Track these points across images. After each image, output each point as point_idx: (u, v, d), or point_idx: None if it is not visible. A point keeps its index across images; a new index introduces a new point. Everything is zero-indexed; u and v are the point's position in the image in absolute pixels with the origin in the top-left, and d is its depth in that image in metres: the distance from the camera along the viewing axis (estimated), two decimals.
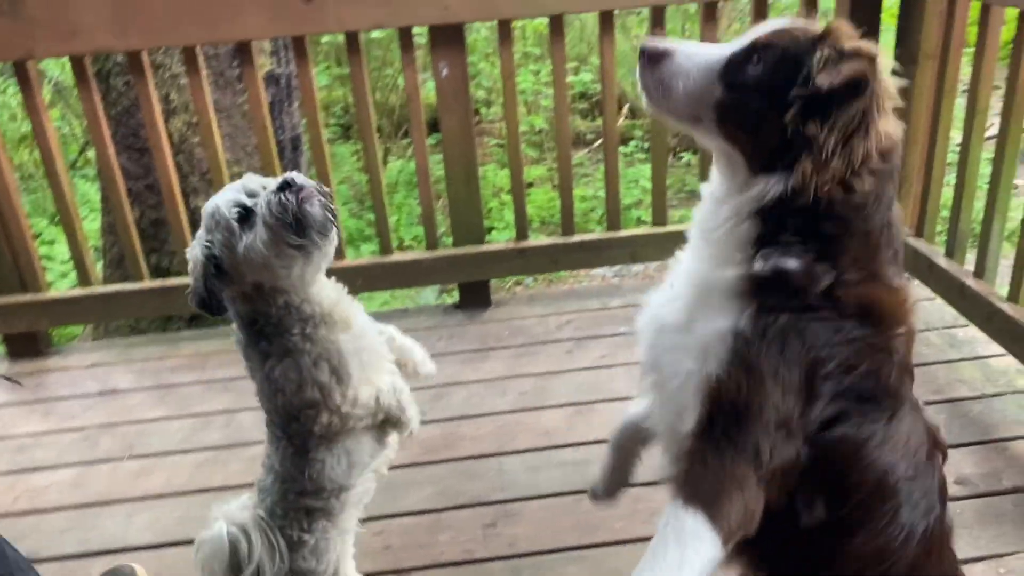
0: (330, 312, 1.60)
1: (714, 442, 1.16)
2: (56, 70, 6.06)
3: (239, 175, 3.67)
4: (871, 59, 1.11)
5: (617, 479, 1.72)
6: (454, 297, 3.52)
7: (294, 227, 1.45)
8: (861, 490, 1.25)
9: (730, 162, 1.22)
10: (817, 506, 1.24)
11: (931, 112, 2.92)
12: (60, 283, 4.74)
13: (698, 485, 1.15)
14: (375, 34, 6.03)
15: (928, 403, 2.60)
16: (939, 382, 2.68)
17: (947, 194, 2.99)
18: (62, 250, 4.82)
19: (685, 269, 1.32)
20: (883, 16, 3.13)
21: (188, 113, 3.53)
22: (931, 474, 1.33)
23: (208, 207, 1.52)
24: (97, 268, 3.65)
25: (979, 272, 2.76)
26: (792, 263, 1.15)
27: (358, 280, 3.21)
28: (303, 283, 1.56)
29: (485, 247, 3.25)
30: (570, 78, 6.70)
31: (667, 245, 3.40)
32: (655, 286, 1.43)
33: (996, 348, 2.72)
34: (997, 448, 2.38)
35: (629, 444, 1.67)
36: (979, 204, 2.91)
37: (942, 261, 2.90)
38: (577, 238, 3.30)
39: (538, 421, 2.67)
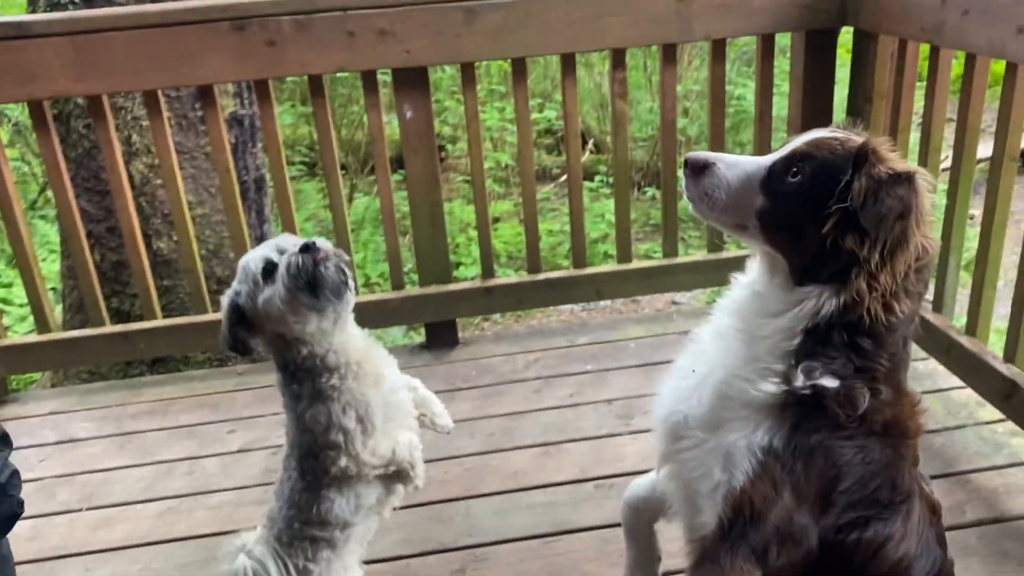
0: (359, 363, 1.70)
1: (729, 543, 1.21)
2: (16, 110, 6.00)
3: (202, 216, 3.70)
4: (911, 179, 1.15)
5: (647, 562, 1.71)
6: (422, 335, 3.51)
7: (309, 287, 1.57)
8: None
9: (773, 264, 1.27)
10: None
11: None
12: (18, 326, 4.65)
13: None
14: (341, 73, 6.05)
15: None
16: None
17: None
18: (20, 293, 4.73)
19: (711, 360, 1.33)
20: (840, 52, 3.21)
21: (150, 155, 3.51)
22: (932, 534, 1.39)
23: (243, 259, 1.66)
24: (57, 312, 3.58)
25: (937, 306, 2.81)
26: (832, 382, 1.19)
27: None
28: (322, 336, 1.65)
29: (451, 287, 3.25)
30: (535, 115, 6.77)
31: (631, 281, 3.47)
32: (667, 372, 1.44)
33: (956, 381, 2.76)
34: (960, 481, 2.41)
35: (643, 524, 1.68)
36: (936, 236, 2.96)
37: None
38: (543, 276, 3.31)
39: (506, 463, 2.65)
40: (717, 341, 1.33)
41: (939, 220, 2.81)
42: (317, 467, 1.70)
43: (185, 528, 2.45)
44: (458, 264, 5.40)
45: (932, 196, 1.19)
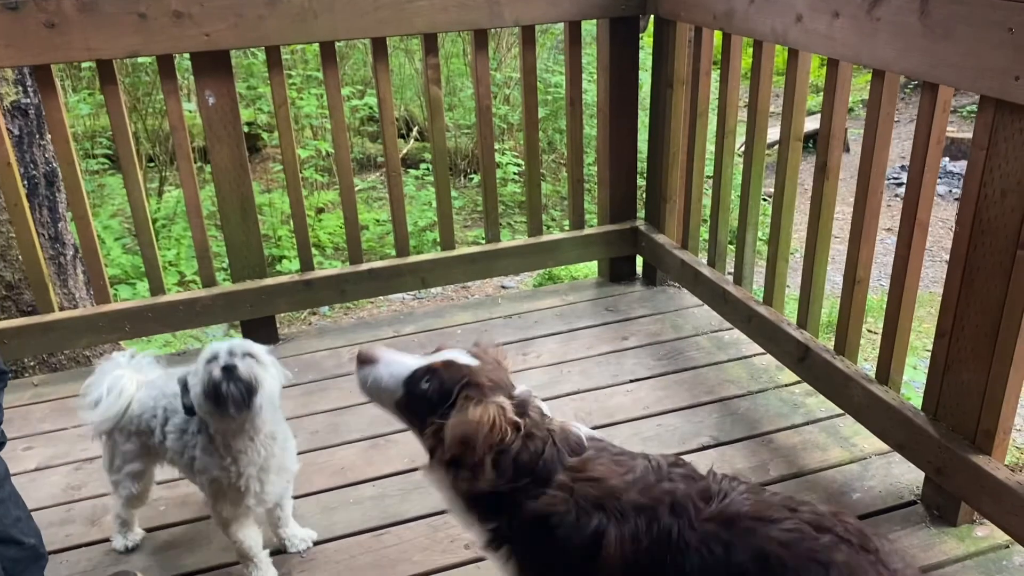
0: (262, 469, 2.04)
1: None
2: None
3: None
4: (480, 419, 1.47)
5: None
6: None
7: (215, 400, 1.86)
8: None
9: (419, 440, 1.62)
10: None
11: (688, 132, 3.14)
12: None
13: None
14: (142, 58, 5.67)
15: (702, 404, 2.79)
16: (710, 383, 2.88)
17: (708, 207, 3.22)
18: None
19: None
20: (644, 39, 3.35)
21: None
22: None
23: (207, 348, 1.91)
24: None
25: (737, 279, 3.00)
26: (490, 525, 1.57)
27: (125, 325, 3.00)
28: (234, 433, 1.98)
29: (267, 281, 3.13)
30: (356, 102, 6.64)
31: (456, 268, 3.48)
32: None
33: (757, 348, 2.96)
34: (763, 441, 2.59)
35: None
36: (735, 215, 3.15)
37: (706, 271, 3.13)
38: (365, 266, 3.26)
39: (332, 459, 2.59)
40: None
41: (736, 199, 2.99)
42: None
43: None
44: (281, 258, 5.22)
45: (508, 412, 1.52)
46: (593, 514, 1.47)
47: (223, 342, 1.92)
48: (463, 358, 1.59)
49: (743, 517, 1.38)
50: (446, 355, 1.61)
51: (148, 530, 2.32)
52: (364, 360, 1.62)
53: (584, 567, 1.48)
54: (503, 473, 1.52)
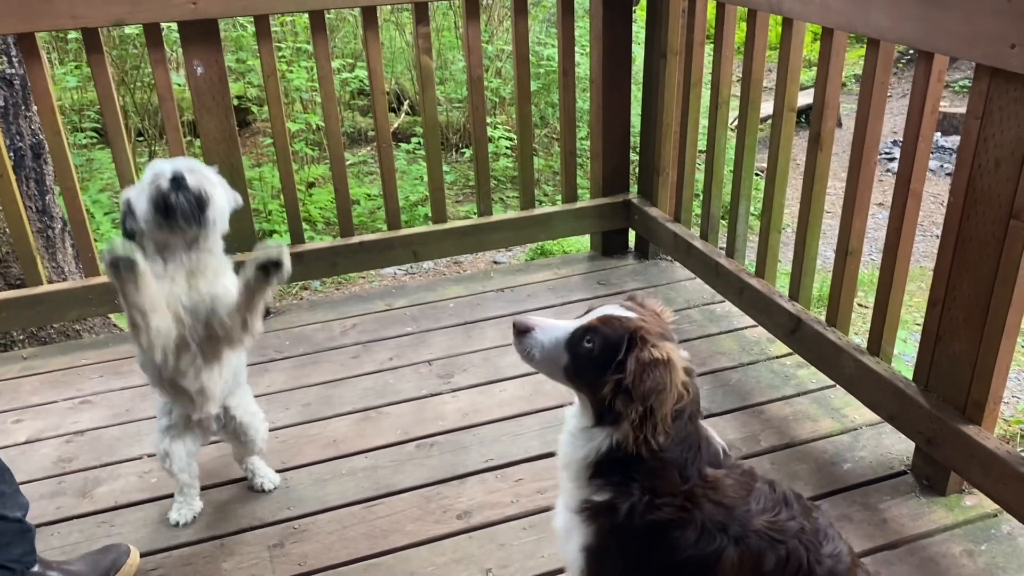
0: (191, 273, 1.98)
1: None
2: None
3: None
4: (668, 362, 1.43)
5: None
6: None
7: (164, 211, 1.82)
8: None
9: (584, 404, 1.58)
10: None
11: (681, 105, 3.12)
12: None
13: None
14: (129, 29, 5.60)
15: None
16: (702, 355, 2.88)
17: (701, 180, 3.21)
18: None
19: (565, 487, 1.66)
20: (638, 12, 3.31)
21: None
22: None
23: (152, 165, 1.87)
24: None
25: (730, 251, 2.99)
26: (602, 496, 1.55)
27: (116, 298, 2.97)
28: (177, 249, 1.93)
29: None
30: (346, 75, 6.58)
31: (448, 241, 3.45)
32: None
33: (748, 320, 2.96)
34: (754, 412, 2.59)
35: None
36: (728, 188, 3.14)
37: (698, 243, 3.12)
38: (356, 239, 3.24)
39: (324, 431, 2.59)
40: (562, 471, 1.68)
41: (729, 172, 2.98)
42: None
43: None
44: (272, 232, 5.19)
45: (685, 362, 1.49)
46: (716, 536, 1.48)
47: (166, 161, 1.88)
48: (620, 311, 1.55)
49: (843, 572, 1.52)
50: (602, 311, 1.56)
51: (138, 503, 2.31)
52: (521, 329, 1.58)
53: None
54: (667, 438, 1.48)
